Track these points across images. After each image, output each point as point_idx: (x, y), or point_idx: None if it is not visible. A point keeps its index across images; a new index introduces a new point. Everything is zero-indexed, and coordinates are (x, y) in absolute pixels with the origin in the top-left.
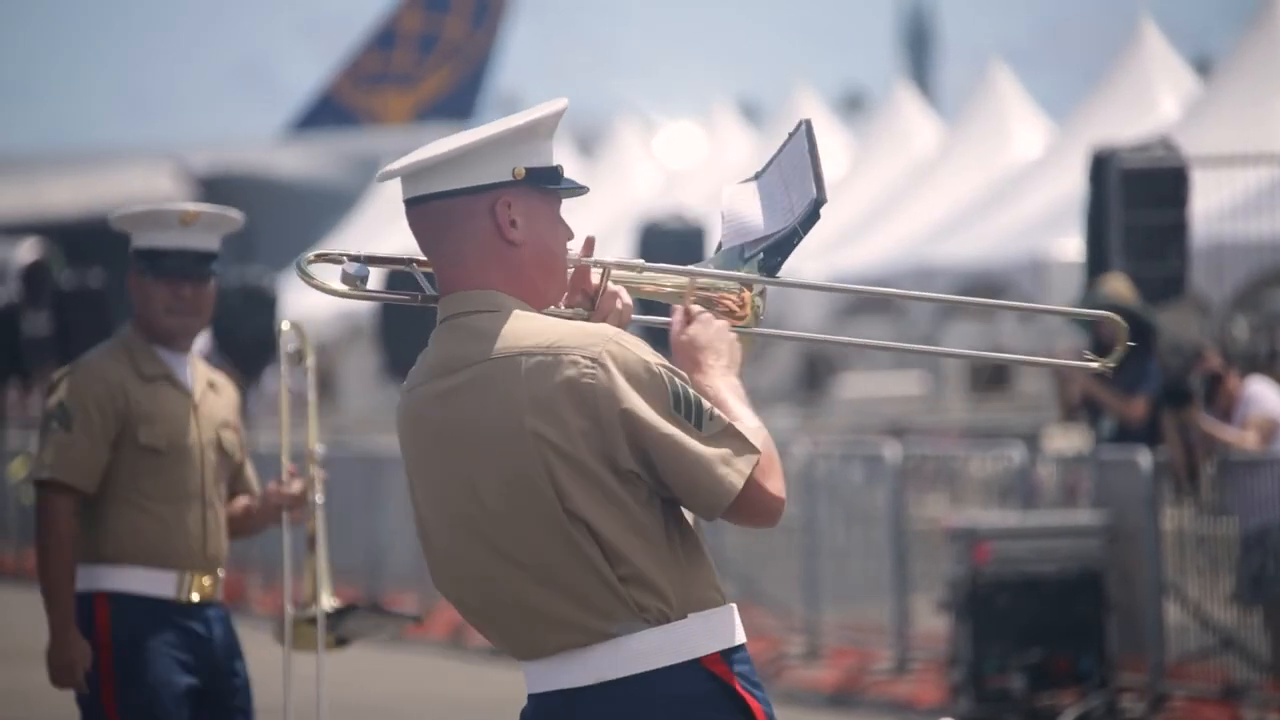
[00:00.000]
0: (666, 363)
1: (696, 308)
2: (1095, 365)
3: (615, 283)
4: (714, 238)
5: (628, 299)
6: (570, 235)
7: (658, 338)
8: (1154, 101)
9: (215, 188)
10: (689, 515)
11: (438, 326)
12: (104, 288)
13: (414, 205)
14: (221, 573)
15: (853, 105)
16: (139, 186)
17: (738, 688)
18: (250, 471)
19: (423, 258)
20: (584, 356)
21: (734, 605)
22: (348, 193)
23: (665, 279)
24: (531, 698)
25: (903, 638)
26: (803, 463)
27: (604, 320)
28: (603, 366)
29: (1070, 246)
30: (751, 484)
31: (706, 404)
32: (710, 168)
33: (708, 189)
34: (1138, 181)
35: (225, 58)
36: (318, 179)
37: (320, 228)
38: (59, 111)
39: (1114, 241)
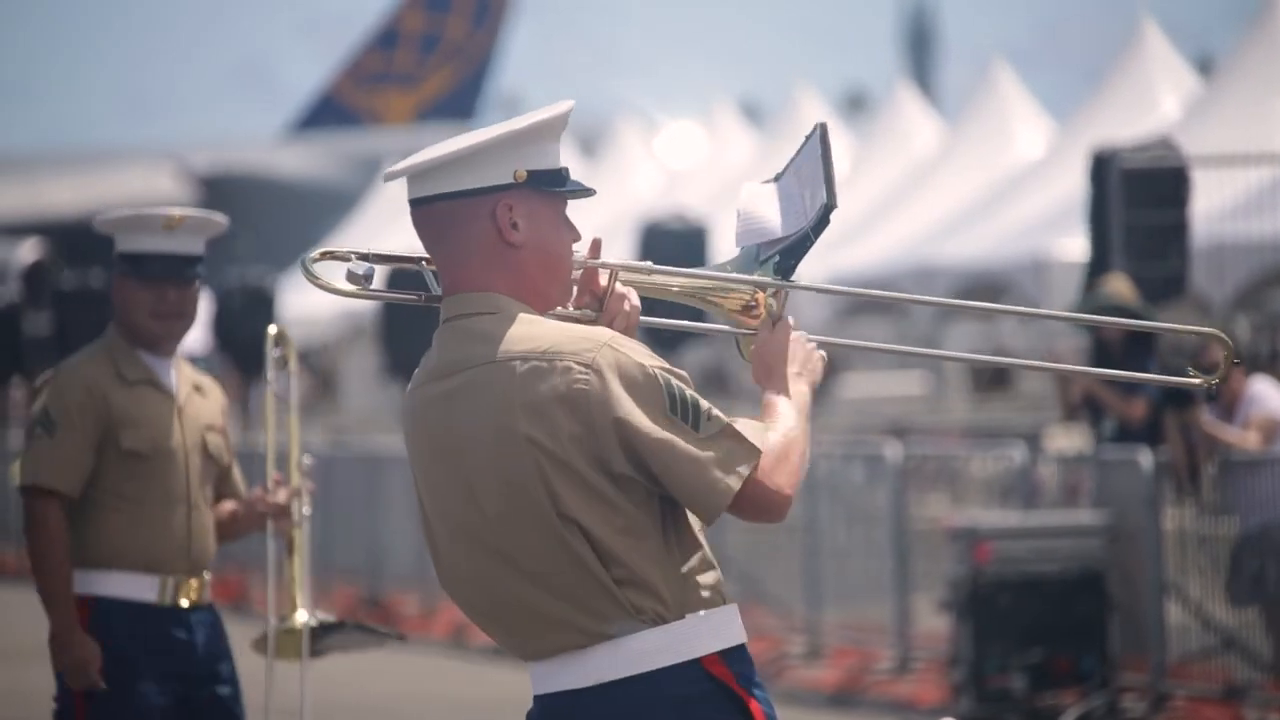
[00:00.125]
0: (664, 364)
1: (790, 317)
2: (1198, 382)
3: (624, 284)
4: (716, 238)
5: (636, 300)
6: (577, 237)
7: (664, 338)
8: (1155, 101)
9: (216, 188)
10: (692, 516)
11: (440, 327)
12: (105, 288)
13: (418, 206)
14: (208, 576)
15: (854, 105)
16: (140, 186)
17: (736, 688)
18: (238, 475)
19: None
20: (578, 362)
21: (734, 605)
22: (349, 193)
23: (674, 280)
24: (536, 698)
25: (904, 637)
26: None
27: (612, 321)
28: (597, 371)
29: (1071, 246)
30: (751, 483)
31: (705, 405)
32: (711, 168)
33: (709, 189)
34: (1139, 181)
35: (225, 58)
36: (319, 179)
37: (321, 228)
38: (59, 111)
39: (1115, 241)
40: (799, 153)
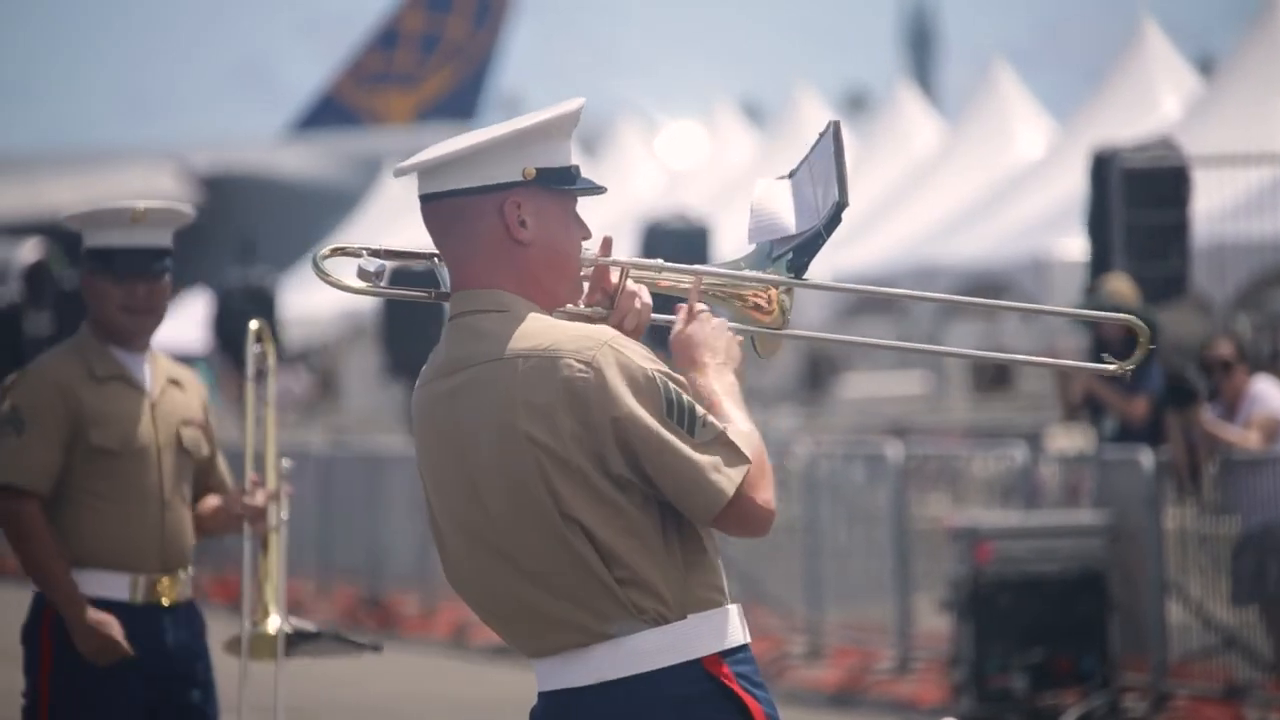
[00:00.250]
0: (663, 368)
1: (700, 306)
2: (1113, 368)
3: (635, 281)
4: (717, 237)
5: (647, 298)
6: (587, 235)
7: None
8: (1156, 101)
9: (217, 188)
10: None
11: (447, 324)
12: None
13: (427, 202)
14: (186, 573)
15: (855, 105)
16: (140, 186)
17: (736, 688)
18: (224, 468)
19: None
20: (578, 360)
21: (736, 606)
22: (350, 192)
23: (685, 277)
24: (540, 695)
25: (905, 637)
26: (805, 462)
27: (623, 319)
28: (596, 370)
29: (1072, 246)
30: (740, 495)
31: (700, 411)
32: (712, 167)
33: (710, 189)
34: (1139, 181)
35: (226, 57)
36: (320, 179)
37: (322, 227)
38: (59, 111)
39: (1116, 241)
40: (812, 150)
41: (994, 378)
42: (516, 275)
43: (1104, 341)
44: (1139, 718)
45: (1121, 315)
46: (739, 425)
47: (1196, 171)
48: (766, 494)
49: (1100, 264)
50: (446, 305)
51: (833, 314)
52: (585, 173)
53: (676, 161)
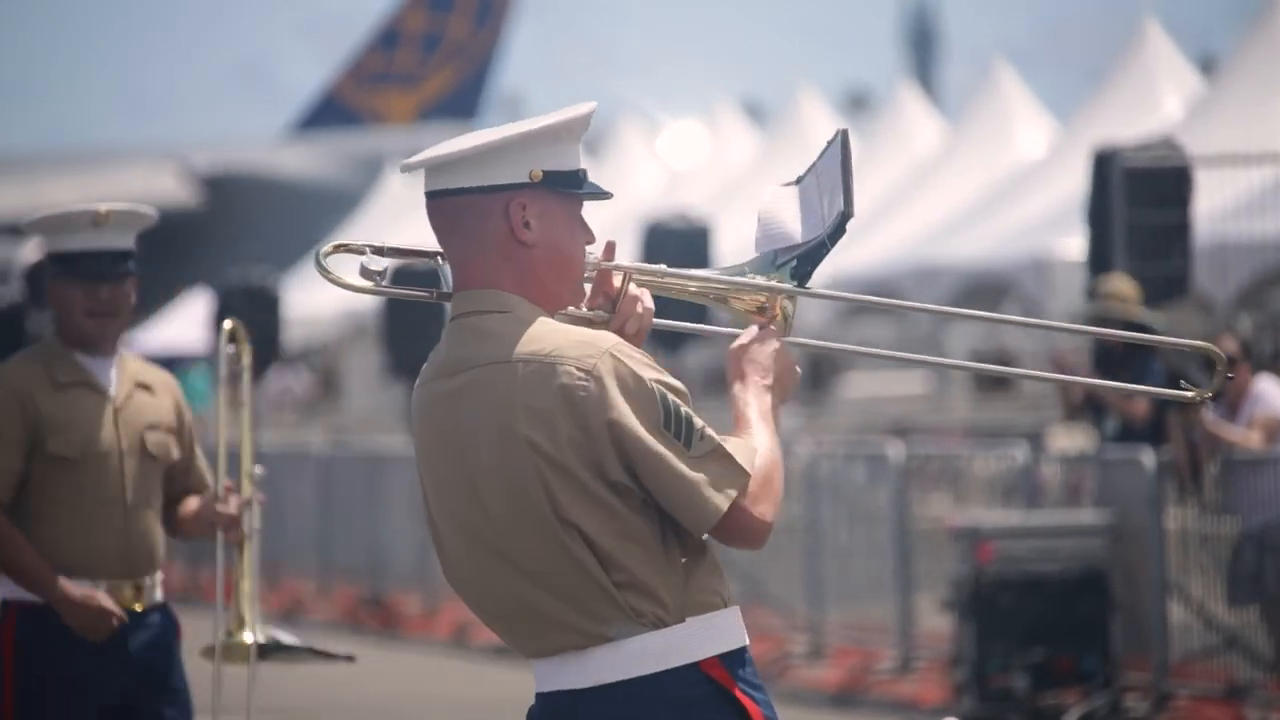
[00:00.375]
0: (664, 378)
1: (773, 328)
2: (1191, 395)
3: (638, 286)
4: (718, 237)
5: (649, 302)
6: (591, 239)
7: (668, 338)
8: (1157, 101)
9: (218, 187)
10: None
11: (449, 323)
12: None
13: (432, 199)
14: (152, 579)
15: (856, 104)
16: (142, 186)
17: (736, 691)
18: (204, 469)
19: None
20: (578, 367)
21: (736, 608)
22: (351, 192)
23: (688, 282)
24: (538, 695)
25: (906, 637)
26: (806, 462)
27: (624, 323)
28: (596, 377)
29: (1073, 246)
30: (736, 508)
31: (699, 424)
32: (714, 167)
33: (711, 189)
34: (1141, 181)
35: (226, 57)
36: (321, 178)
37: (323, 227)
38: (60, 111)
39: (1117, 241)
40: (820, 157)
41: (995, 378)
42: (520, 276)
43: (1106, 346)
44: (1140, 717)
45: (1198, 343)
46: (755, 441)
47: (1198, 171)
48: (764, 508)
49: (1101, 264)
50: (448, 305)
51: (834, 315)
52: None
53: (677, 161)
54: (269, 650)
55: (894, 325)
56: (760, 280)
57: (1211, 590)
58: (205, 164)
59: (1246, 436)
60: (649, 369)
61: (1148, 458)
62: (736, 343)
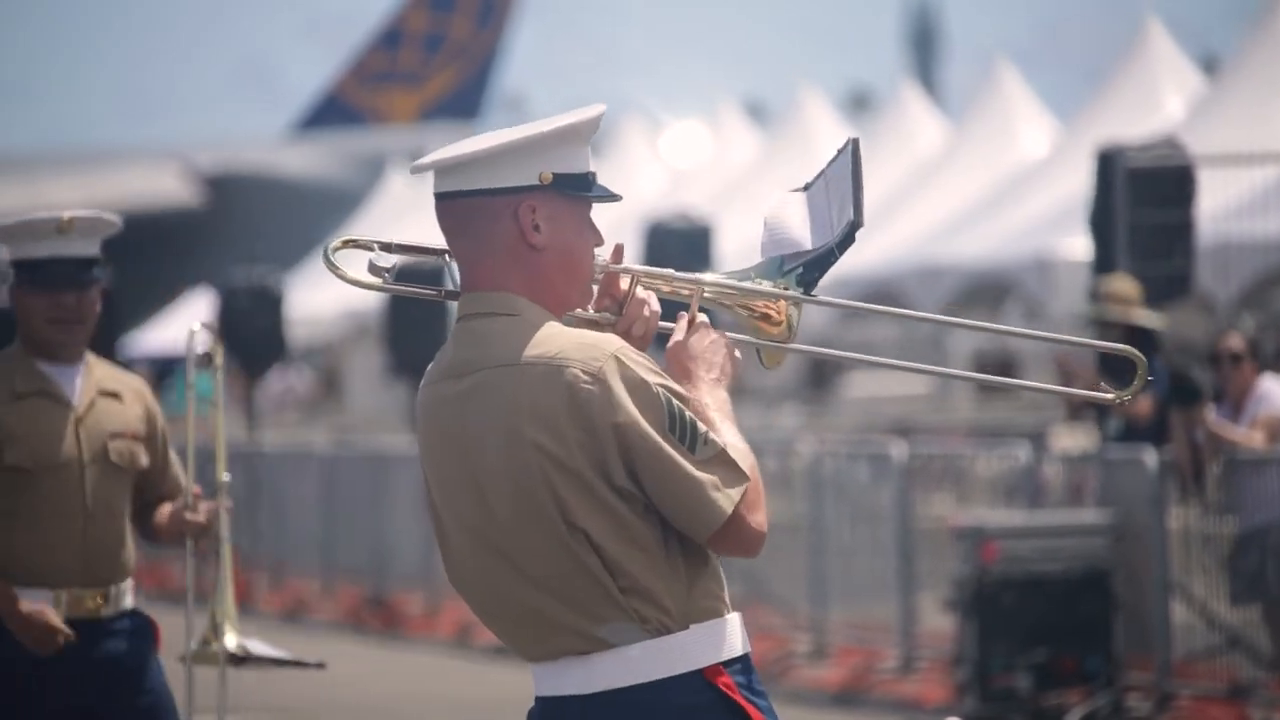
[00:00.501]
0: (667, 382)
1: (700, 317)
2: (1110, 397)
3: (644, 289)
4: (720, 237)
5: (656, 306)
6: (600, 241)
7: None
8: (1160, 100)
9: (221, 187)
10: None
11: (456, 324)
12: (109, 288)
13: (441, 200)
14: (119, 587)
15: (858, 104)
16: (144, 186)
17: (738, 699)
18: (179, 474)
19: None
20: (584, 370)
21: (737, 615)
22: (353, 192)
23: (695, 286)
24: (538, 699)
25: (909, 637)
26: (809, 461)
27: (630, 325)
28: (601, 381)
29: (1076, 246)
30: (737, 514)
31: (702, 428)
32: (716, 167)
33: (713, 188)
34: (1144, 180)
35: (229, 57)
36: (323, 178)
37: (326, 227)
38: (61, 111)
39: (1120, 241)
40: (830, 164)
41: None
42: (528, 279)
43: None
44: (1143, 717)
45: (1118, 346)
46: (735, 443)
47: (1201, 171)
48: (760, 515)
49: (1104, 263)
50: (452, 304)
51: (836, 315)
52: None
53: (680, 161)
54: (240, 659)
55: (896, 326)
56: (768, 286)
57: (1214, 590)
58: (207, 164)
59: (1249, 437)
60: (653, 373)
61: (1150, 457)
62: (673, 340)
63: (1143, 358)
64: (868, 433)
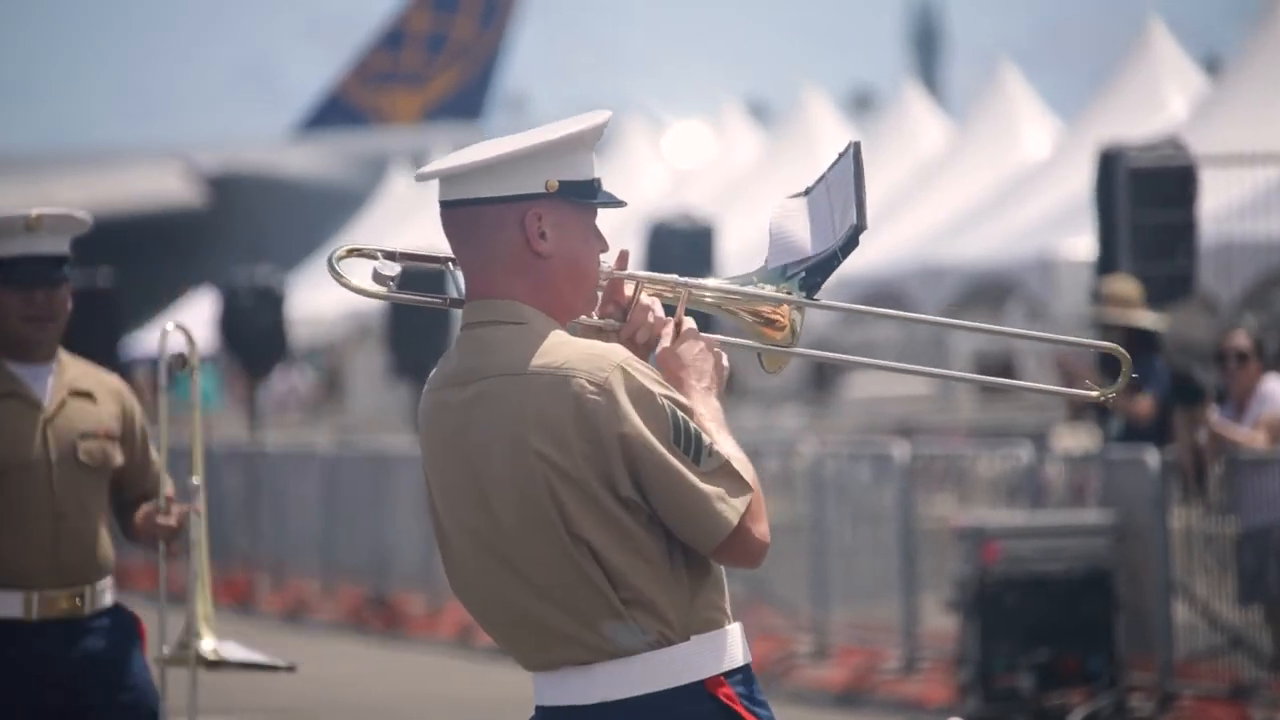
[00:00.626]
0: (672, 394)
1: (688, 321)
2: (1095, 394)
3: (649, 295)
4: (722, 237)
5: (660, 312)
6: (605, 248)
7: None
8: (1162, 101)
9: (223, 187)
10: None
11: (461, 332)
12: (112, 287)
13: (447, 208)
14: (94, 587)
15: (861, 104)
16: (146, 186)
17: (740, 709)
18: (157, 473)
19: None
20: (590, 381)
21: (738, 625)
22: (356, 192)
23: (699, 291)
24: (538, 709)
25: (911, 637)
26: (811, 462)
27: (635, 331)
28: (608, 391)
29: (1079, 246)
30: (742, 526)
31: (707, 440)
32: (718, 167)
33: (716, 188)
34: (1146, 181)
35: (231, 57)
36: (326, 178)
37: (328, 227)
38: (63, 111)
39: (1122, 241)
40: (831, 168)
41: (1000, 377)
42: (534, 286)
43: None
44: (1145, 717)
45: (1103, 344)
46: (735, 454)
47: (1203, 171)
48: (763, 526)
49: (1107, 263)
50: (455, 310)
51: (838, 315)
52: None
53: (682, 161)
54: (213, 663)
55: (898, 326)
56: (771, 291)
57: (1216, 590)
58: (210, 164)
59: (1252, 437)
60: (659, 384)
61: (1152, 457)
62: (661, 346)
63: (1127, 355)
64: (869, 433)
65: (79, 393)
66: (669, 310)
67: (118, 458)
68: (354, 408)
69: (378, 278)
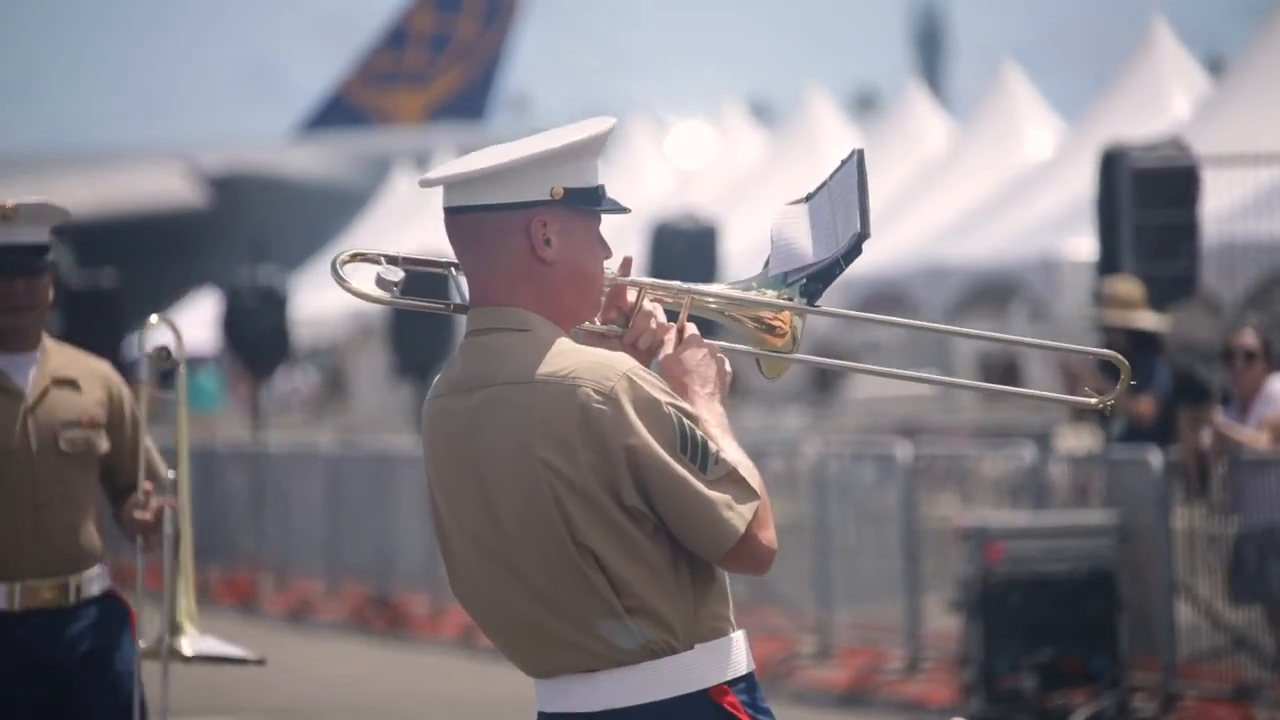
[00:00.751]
0: (678, 402)
1: (690, 327)
2: (1094, 402)
3: (651, 301)
4: (725, 237)
5: (663, 318)
6: (608, 254)
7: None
8: (1166, 101)
9: (226, 187)
10: None
11: (465, 339)
12: (115, 287)
13: (451, 214)
14: (79, 577)
15: (864, 105)
16: (149, 186)
17: (744, 718)
18: (154, 460)
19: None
20: (596, 390)
21: (742, 633)
22: (359, 192)
23: (701, 298)
24: (541, 715)
25: (914, 637)
26: (814, 462)
27: (637, 337)
28: (613, 400)
29: (1081, 246)
30: (749, 533)
31: (713, 447)
32: (721, 167)
33: (719, 189)
34: (1149, 181)
35: (234, 57)
36: (329, 178)
37: (331, 227)
38: (67, 111)
39: (1125, 241)
40: (833, 176)
41: (1003, 377)
42: (538, 293)
43: (1109, 346)
44: (1148, 718)
45: (1102, 352)
46: (741, 460)
47: (1206, 171)
48: (770, 533)
49: (1109, 264)
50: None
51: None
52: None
53: (685, 161)
54: (187, 659)
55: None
56: (773, 297)
57: (1219, 590)
58: (213, 164)
59: (1255, 438)
60: (664, 393)
61: (1155, 458)
62: (663, 353)
63: (1125, 362)
64: (872, 433)
65: (62, 381)
66: (671, 316)
67: (103, 445)
68: (357, 408)
69: (381, 283)
